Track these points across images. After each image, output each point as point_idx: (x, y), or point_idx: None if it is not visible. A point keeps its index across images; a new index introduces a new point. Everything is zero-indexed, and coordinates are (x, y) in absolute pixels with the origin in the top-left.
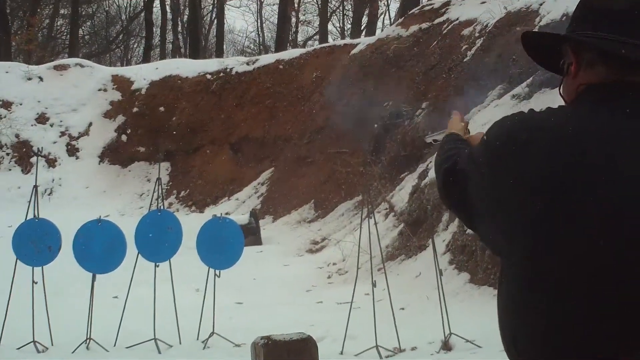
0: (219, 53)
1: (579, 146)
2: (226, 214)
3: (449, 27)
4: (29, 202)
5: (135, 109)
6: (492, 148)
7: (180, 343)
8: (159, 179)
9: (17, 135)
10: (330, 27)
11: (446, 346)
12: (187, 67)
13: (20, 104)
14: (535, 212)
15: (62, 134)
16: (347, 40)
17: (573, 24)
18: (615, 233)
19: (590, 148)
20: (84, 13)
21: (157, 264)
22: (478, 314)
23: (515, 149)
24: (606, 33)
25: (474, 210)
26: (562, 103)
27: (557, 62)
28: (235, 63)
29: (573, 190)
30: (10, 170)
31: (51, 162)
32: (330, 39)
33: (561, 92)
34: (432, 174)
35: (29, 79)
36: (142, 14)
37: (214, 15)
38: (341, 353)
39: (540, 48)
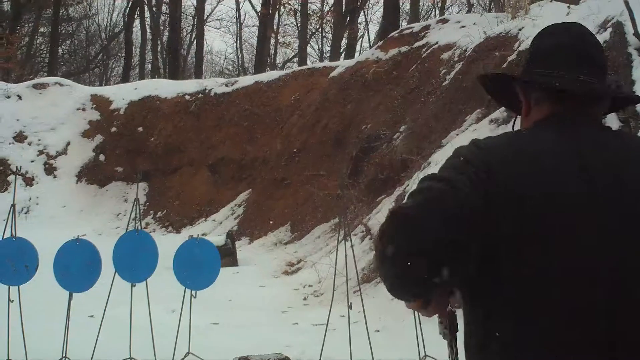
0: (198, 74)
1: (533, 165)
2: (203, 234)
3: (428, 51)
4: (6, 220)
5: (113, 129)
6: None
7: None
8: (136, 199)
9: None
10: (309, 49)
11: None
12: (166, 88)
13: None
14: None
15: (40, 152)
16: (326, 63)
17: (524, 65)
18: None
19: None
20: (63, 32)
21: (134, 284)
22: None
23: (479, 174)
24: (549, 70)
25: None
26: None
27: (514, 100)
28: (214, 84)
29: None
30: None
31: (28, 181)
32: (309, 62)
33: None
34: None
35: (8, 97)
36: (122, 34)
37: (193, 36)
38: None
39: (498, 84)
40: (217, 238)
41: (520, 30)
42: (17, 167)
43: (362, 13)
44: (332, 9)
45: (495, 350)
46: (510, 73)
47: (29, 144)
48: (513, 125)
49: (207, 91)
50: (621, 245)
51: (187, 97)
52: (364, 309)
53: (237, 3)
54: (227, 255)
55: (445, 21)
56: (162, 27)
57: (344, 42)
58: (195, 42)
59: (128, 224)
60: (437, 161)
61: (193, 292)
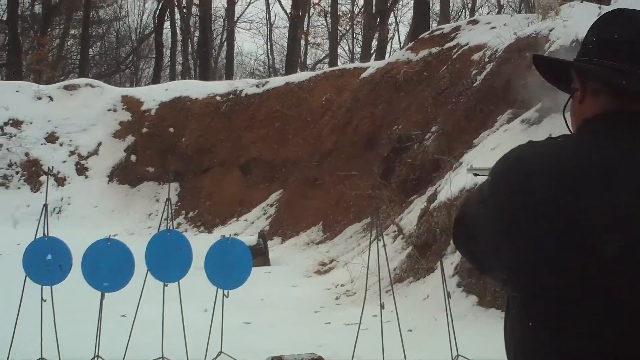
0: (229, 75)
1: (576, 180)
2: (234, 234)
3: (459, 51)
4: (39, 220)
5: (144, 130)
6: (495, 183)
7: None
8: (168, 199)
9: (26, 154)
10: (339, 50)
11: None
12: (196, 89)
13: (31, 123)
14: (536, 245)
15: (72, 153)
16: (357, 64)
17: (582, 49)
18: (617, 272)
19: (587, 181)
20: (94, 34)
21: (166, 283)
22: (485, 336)
23: (515, 183)
24: (611, 61)
25: (480, 247)
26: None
27: (567, 84)
28: (245, 85)
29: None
30: (19, 188)
31: (60, 181)
32: (339, 63)
33: (564, 114)
34: (441, 197)
35: (39, 98)
36: (152, 35)
37: (224, 37)
38: None
39: (551, 71)
40: (249, 238)
41: (550, 31)
42: (49, 167)
43: (392, 14)
44: (362, 10)
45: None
46: (567, 60)
47: (61, 144)
48: (565, 108)
49: (237, 92)
50: None
51: (218, 98)
52: (396, 308)
53: (267, 4)
54: (259, 255)
55: (475, 22)
56: (192, 29)
57: (374, 43)
58: (225, 43)
59: (160, 224)
60: (468, 161)
61: (225, 292)
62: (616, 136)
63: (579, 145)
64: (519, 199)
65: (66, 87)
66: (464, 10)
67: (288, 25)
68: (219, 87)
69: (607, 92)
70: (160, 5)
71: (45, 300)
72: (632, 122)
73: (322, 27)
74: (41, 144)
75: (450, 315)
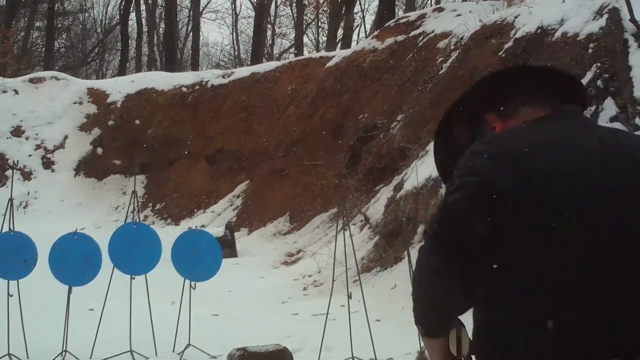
0: (195, 66)
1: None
2: (201, 226)
3: (425, 39)
4: (4, 215)
5: (110, 122)
6: (490, 170)
7: (156, 355)
8: (134, 191)
9: None
10: (305, 39)
11: (422, 357)
12: (162, 80)
13: None
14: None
15: (38, 146)
16: (323, 53)
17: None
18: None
19: (567, 158)
20: (59, 26)
21: (133, 276)
22: None
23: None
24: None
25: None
26: None
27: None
28: (211, 76)
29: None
30: None
31: (26, 175)
32: (305, 52)
33: None
34: (407, 186)
35: (4, 91)
36: (118, 27)
37: (189, 28)
38: None
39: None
40: (216, 229)
41: (516, 17)
42: (14, 161)
43: (358, 3)
44: None
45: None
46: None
47: (27, 138)
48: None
49: (203, 83)
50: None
51: (184, 89)
52: (363, 298)
53: None
54: (227, 247)
55: (441, 10)
56: (158, 20)
57: (340, 32)
58: (191, 34)
59: (126, 217)
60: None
61: (192, 284)
62: (568, 124)
63: (555, 129)
64: (525, 180)
65: (31, 80)
66: None
67: (254, 14)
68: (184, 78)
69: (528, 104)
70: None
71: (12, 296)
72: (564, 117)
73: (288, 17)
74: (7, 138)
75: None
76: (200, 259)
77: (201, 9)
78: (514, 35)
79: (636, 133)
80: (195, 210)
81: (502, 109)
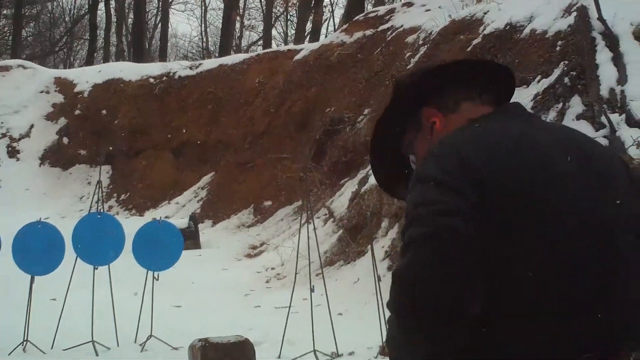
0: (163, 57)
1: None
2: (166, 217)
3: (393, 34)
4: None
5: (77, 112)
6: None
7: (117, 345)
8: (99, 181)
9: None
10: (274, 32)
11: (384, 351)
12: (130, 71)
13: None
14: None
15: (3, 135)
16: (291, 46)
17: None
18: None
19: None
20: (27, 14)
21: (96, 267)
22: None
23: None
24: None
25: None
26: None
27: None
28: (179, 67)
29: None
30: None
31: None
32: (274, 45)
33: (417, 151)
34: (372, 180)
35: None
36: (87, 17)
37: (158, 19)
38: (279, 357)
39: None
40: (180, 221)
41: (485, 13)
42: None
43: None
44: None
45: None
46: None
47: None
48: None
49: (171, 74)
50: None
51: (152, 80)
52: (326, 292)
53: None
54: (190, 238)
55: (410, 5)
56: (126, 10)
57: (309, 25)
58: (160, 25)
59: (90, 207)
60: None
61: (155, 275)
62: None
63: (513, 129)
64: (510, 178)
65: None
66: None
67: (223, 6)
68: (152, 69)
69: (470, 99)
70: None
71: None
72: (516, 115)
73: (257, 9)
74: None
75: (381, 298)
76: (161, 249)
77: (170, 0)
78: (483, 31)
79: (602, 131)
80: (160, 201)
81: (442, 102)
